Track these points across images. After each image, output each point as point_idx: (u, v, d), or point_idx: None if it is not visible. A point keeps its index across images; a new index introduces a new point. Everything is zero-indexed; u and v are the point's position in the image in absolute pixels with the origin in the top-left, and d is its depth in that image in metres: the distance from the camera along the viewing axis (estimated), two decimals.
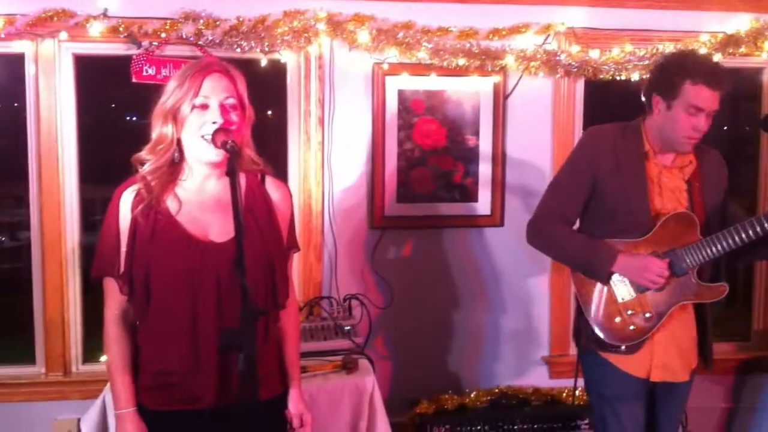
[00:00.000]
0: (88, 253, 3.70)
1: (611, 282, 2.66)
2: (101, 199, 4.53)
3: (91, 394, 3.26)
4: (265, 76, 3.67)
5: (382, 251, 3.83)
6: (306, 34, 3.58)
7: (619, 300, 2.66)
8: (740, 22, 3.86)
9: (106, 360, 2.15)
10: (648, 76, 2.85)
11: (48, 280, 3.60)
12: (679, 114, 2.57)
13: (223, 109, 2.06)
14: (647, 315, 2.63)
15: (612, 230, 2.67)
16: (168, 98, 2.08)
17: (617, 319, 2.65)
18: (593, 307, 2.69)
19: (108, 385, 2.85)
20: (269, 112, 4.24)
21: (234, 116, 2.07)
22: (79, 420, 3.27)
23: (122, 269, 2.07)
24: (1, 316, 5.81)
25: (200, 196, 2.12)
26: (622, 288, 2.66)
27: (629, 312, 2.65)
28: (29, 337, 3.70)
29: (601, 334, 2.66)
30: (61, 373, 3.64)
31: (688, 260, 2.61)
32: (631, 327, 2.64)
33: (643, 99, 2.74)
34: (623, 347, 2.64)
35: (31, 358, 3.69)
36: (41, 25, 3.42)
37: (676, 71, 2.59)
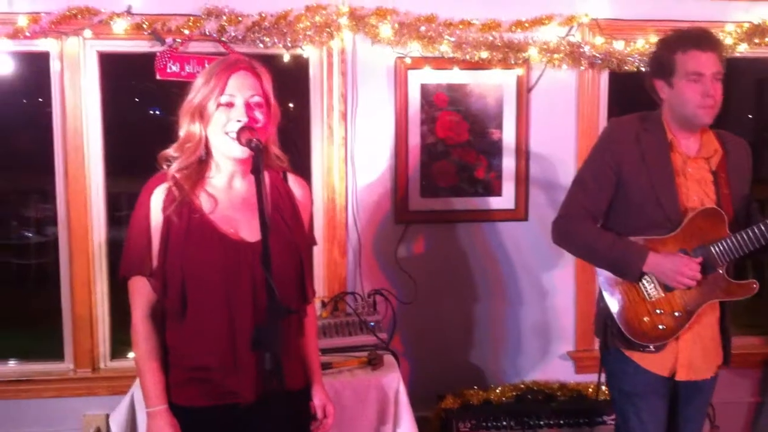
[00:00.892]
0: (114, 248, 3.73)
1: (639, 281, 2.62)
2: (126, 194, 4.59)
3: (119, 390, 3.29)
4: (287, 71, 3.66)
5: (406, 246, 3.83)
6: (328, 29, 3.57)
7: (648, 299, 2.61)
8: (766, 12, 3.80)
9: (135, 358, 2.15)
10: (645, 69, 2.81)
11: (76, 276, 3.63)
12: (683, 86, 2.56)
13: (249, 107, 2.06)
14: (677, 314, 2.58)
15: (638, 226, 2.63)
16: (195, 96, 2.09)
17: (646, 319, 2.60)
18: (620, 307, 2.63)
19: (137, 381, 2.91)
20: (290, 105, 4.24)
21: (259, 114, 2.08)
22: (107, 416, 3.31)
23: (155, 268, 2.07)
24: (29, 310, 5.90)
25: (229, 194, 2.13)
26: (650, 286, 2.60)
27: (658, 311, 2.59)
28: (57, 332, 3.74)
29: (628, 334, 2.60)
30: (89, 369, 3.68)
31: (718, 257, 2.56)
32: (661, 326, 2.59)
33: (649, 91, 2.72)
34: (652, 347, 2.60)
35: (59, 354, 3.73)
36: (66, 23, 3.45)
37: (665, 49, 2.63)
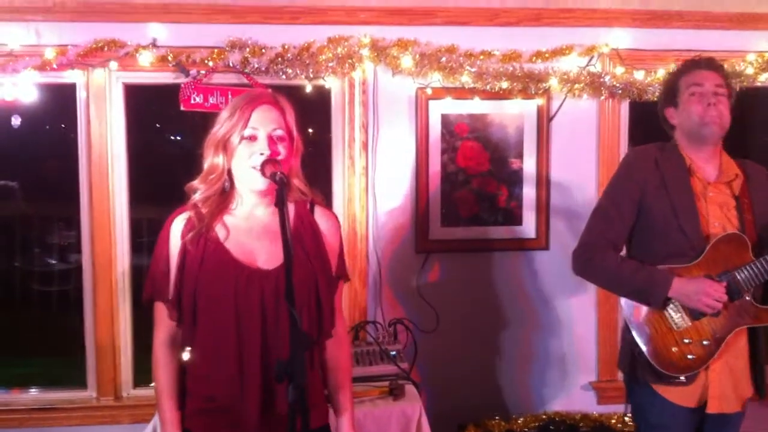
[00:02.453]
0: (136, 276, 3.77)
1: (665, 311, 2.58)
2: (147, 220, 4.64)
3: (141, 418, 3.31)
4: (310, 101, 3.70)
5: (427, 275, 3.83)
6: (350, 60, 3.61)
7: (675, 328, 2.58)
8: None
9: (154, 388, 2.18)
10: (657, 104, 2.85)
11: (99, 304, 3.67)
12: (686, 101, 2.65)
13: (271, 140, 2.09)
14: (705, 342, 2.55)
15: (661, 254, 2.60)
16: (219, 128, 2.12)
17: (674, 349, 2.56)
18: (647, 338, 2.60)
19: None
20: (310, 130, 4.27)
21: (281, 147, 2.10)
22: None
23: (171, 294, 2.11)
24: (52, 338, 5.93)
25: (249, 223, 2.15)
26: (676, 316, 2.57)
27: (686, 340, 2.56)
28: (79, 360, 3.76)
29: (658, 366, 2.56)
30: (112, 398, 3.69)
31: (744, 283, 2.53)
32: (690, 356, 2.55)
33: (662, 123, 2.79)
34: (682, 377, 2.56)
35: (82, 382, 3.75)
36: (92, 55, 3.51)
37: (671, 80, 2.76)
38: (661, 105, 2.78)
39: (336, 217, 2.33)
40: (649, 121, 3.94)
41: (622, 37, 3.78)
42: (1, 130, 3.77)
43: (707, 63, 2.68)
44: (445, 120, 3.77)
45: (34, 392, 3.83)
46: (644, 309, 2.62)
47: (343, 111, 3.73)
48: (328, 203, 3.65)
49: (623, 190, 2.70)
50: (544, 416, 3.79)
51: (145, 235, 4.80)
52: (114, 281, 3.68)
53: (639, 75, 3.74)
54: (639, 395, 2.69)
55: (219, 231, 2.12)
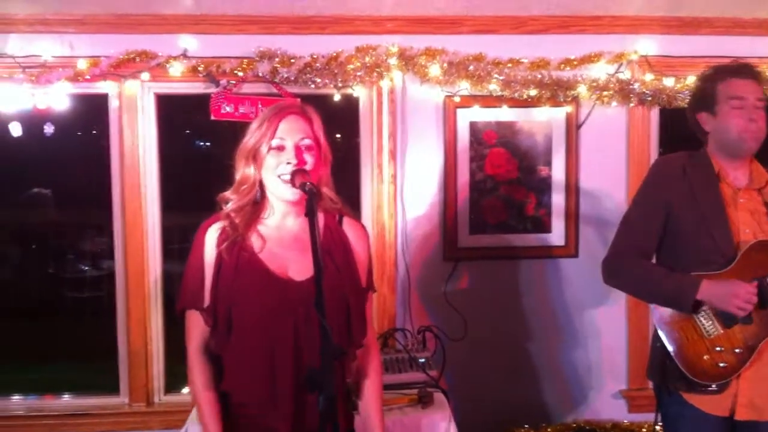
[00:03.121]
0: (167, 282, 3.82)
1: (696, 318, 2.56)
2: (177, 227, 4.69)
3: (173, 425, 3.34)
4: (338, 110, 3.73)
5: (455, 282, 3.83)
6: (378, 69, 3.63)
7: (706, 336, 2.55)
8: None
9: (191, 391, 2.19)
10: (686, 107, 2.81)
11: (132, 310, 3.71)
12: (726, 113, 2.58)
13: (298, 149, 2.11)
14: (737, 350, 2.52)
15: (691, 262, 2.58)
16: (249, 139, 2.15)
17: (706, 357, 2.54)
18: (678, 346, 2.57)
19: (190, 416, 2.97)
20: (338, 136, 4.30)
21: (309, 157, 2.12)
22: None
23: (207, 303, 2.13)
24: (84, 344, 6.01)
25: (279, 233, 2.17)
26: (708, 323, 2.55)
27: (718, 348, 2.53)
28: (111, 366, 3.81)
29: (689, 374, 2.54)
30: (144, 404, 3.74)
31: None
32: (722, 364, 2.52)
33: (692, 128, 2.74)
34: (714, 386, 2.53)
35: (114, 388, 3.80)
36: (124, 66, 3.57)
37: (705, 82, 2.68)
38: (693, 108, 2.73)
39: (365, 229, 2.34)
40: (679, 128, 3.91)
41: (650, 44, 3.77)
42: (34, 138, 3.82)
43: (747, 71, 2.62)
44: (473, 128, 3.77)
45: (66, 398, 3.88)
46: (675, 317, 2.60)
47: (371, 119, 3.75)
48: (356, 211, 3.70)
49: (651, 198, 2.69)
50: (573, 425, 3.78)
51: (176, 242, 4.86)
52: (146, 288, 3.72)
53: (669, 82, 3.72)
54: (669, 405, 2.67)
55: (254, 241, 2.14)
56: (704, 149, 2.70)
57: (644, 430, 3.71)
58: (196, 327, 2.17)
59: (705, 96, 2.66)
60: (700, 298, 2.52)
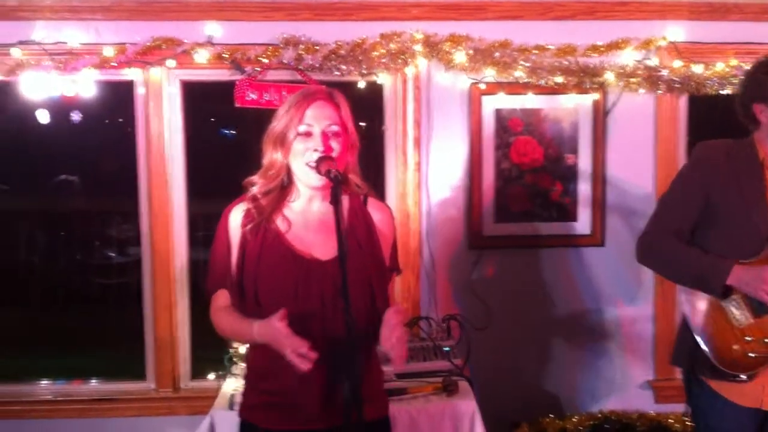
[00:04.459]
0: (193, 269, 3.85)
1: (726, 306, 2.53)
2: (203, 214, 4.71)
3: (199, 410, 3.36)
4: (362, 97, 3.72)
5: (480, 271, 3.81)
6: (403, 56, 3.61)
7: (736, 325, 2.52)
8: None
9: (221, 328, 2.21)
10: (739, 91, 2.73)
11: (158, 297, 3.74)
12: None
13: (325, 136, 2.12)
14: (767, 340, 2.49)
15: (726, 247, 2.54)
16: (276, 125, 2.17)
17: (735, 347, 2.50)
18: (707, 334, 2.54)
19: (216, 401, 3.07)
20: (362, 124, 4.28)
21: (335, 143, 2.13)
22: None
23: (233, 282, 2.16)
24: (111, 330, 6.08)
25: (305, 216, 2.20)
26: (737, 312, 2.51)
27: (747, 338, 2.49)
28: (138, 352, 3.84)
29: (717, 363, 2.51)
30: (170, 389, 3.77)
31: None
32: (751, 354, 2.48)
33: (742, 116, 2.64)
34: (743, 376, 2.50)
35: (140, 374, 3.84)
36: (150, 53, 3.57)
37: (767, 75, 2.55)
38: (749, 97, 2.61)
39: (389, 209, 2.36)
40: (708, 115, 3.88)
41: (678, 30, 3.71)
42: (61, 125, 3.85)
43: None
44: (499, 115, 3.75)
45: (94, 383, 3.93)
46: (704, 305, 2.57)
47: (395, 107, 3.74)
48: (381, 198, 3.70)
49: (692, 180, 2.65)
50: (599, 415, 3.75)
51: (202, 229, 4.89)
52: (172, 274, 3.75)
53: (697, 69, 3.66)
54: (699, 396, 2.64)
55: (280, 223, 2.17)
56: (751, 137, 2.64)
57: (671, 420, 3.68)
58: (220, 295, 2.22)
59: (764, 87, 2.55)
60: (731, 283, 2.48)
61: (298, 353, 1.93)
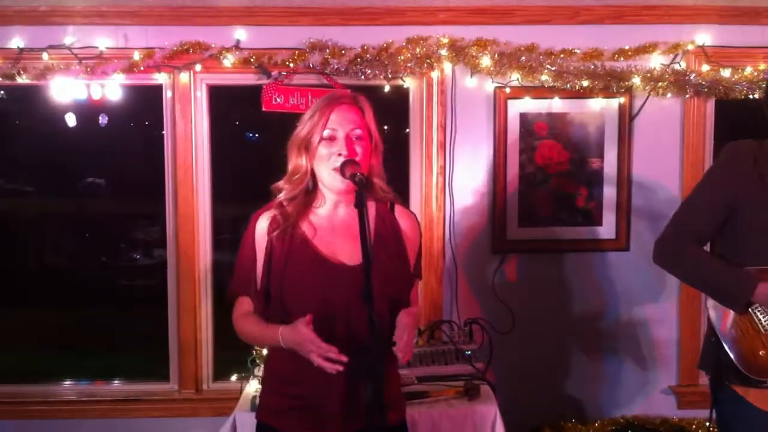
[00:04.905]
0: (217, 272, 3.87)
1: (752, 313, 2.49)
2: (228, 217, 4.75)
3: (221, 412, 3.37)
4: (388, 100, 3.72)
5: (504, 275, 3.80)
6: (428, 60, 3.62)
7: (763, 331, 2.49)
8: None
9: (245, 334, 2.24)
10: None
11: (183, 299, 3.77)
12: None
13: (349, 140, 2.13)
14: None
15: (754, 254, 2.49)
16: (301, 129, 2.18)
17: (761, 353, 2.46)
18: (733, 340, 2.51)
19: (238, 403, 3.08)
20: (385, 127, 4.29)
21: (359, 147, 2.14)
22: None
23: (258, 287, 2.17)
24: (135, 331, 6.12)
25: (331, 221, 2.20)
26: (764, 318, 2.48)
27: None
28: (161, 353, 3.88)
29: (744, 369, 2.48)
30: (193, 391, 3.79)
31: None
32: None
33: None
34: None
35: (164, 375, 3.87)
36: (178, 57, 3.61)
37: None
38: None
39: (415, 217, 2.36)
40: (736, 120, 3.84)
41: (707, 34, 3.68)
42: (89, 129, 3.89)
43: None
44: (524, 119, 3.74)
45: (117, 384, 3.98)
46: (731, 311, 2.53)
47: (420, 111, 3.74)
48: (404, 202, 3.70)
49: (717, 184, 2.59)
50: (621, 420, 3.73)
51: (227, 232, 4.93)
52: (197, 277, 3.77)
53: (726, 73, 3.63)
54: (725, 402, 2.61)
55: (306, 229, 2.18)
56: None
57: (694, 426, 3.65)
58: (243, 303, 2.24)
59: None
60: (755, 300, 2.45)
61: (327, 357, 1.93)
